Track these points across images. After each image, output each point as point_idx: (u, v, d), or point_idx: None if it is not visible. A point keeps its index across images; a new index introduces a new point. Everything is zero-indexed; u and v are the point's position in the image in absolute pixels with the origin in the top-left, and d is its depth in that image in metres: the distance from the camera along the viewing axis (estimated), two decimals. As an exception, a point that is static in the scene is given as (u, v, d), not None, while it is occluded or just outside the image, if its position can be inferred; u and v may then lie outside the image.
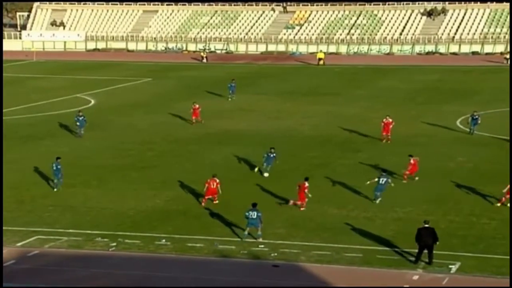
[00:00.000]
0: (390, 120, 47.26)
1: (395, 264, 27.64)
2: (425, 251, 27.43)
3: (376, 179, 35.20)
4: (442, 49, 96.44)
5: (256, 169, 39.87)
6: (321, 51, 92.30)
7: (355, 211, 33.76)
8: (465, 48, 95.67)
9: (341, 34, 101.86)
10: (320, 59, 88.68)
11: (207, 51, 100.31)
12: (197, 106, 54.37)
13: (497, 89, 67.80)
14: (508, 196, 34.13)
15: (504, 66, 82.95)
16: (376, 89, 70.11)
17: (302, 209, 33.83)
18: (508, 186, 34.16)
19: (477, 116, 48.83)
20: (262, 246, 29.56)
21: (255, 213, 30.11)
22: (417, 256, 27.59)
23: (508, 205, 33.94)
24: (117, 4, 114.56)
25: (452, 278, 26.42)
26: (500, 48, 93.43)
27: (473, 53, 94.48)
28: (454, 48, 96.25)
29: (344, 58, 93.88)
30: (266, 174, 39.54)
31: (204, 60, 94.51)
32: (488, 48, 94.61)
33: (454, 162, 42.24)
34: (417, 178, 38.30)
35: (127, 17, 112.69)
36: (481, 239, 30.03)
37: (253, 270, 27.64)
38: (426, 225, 27.68)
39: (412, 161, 38.51)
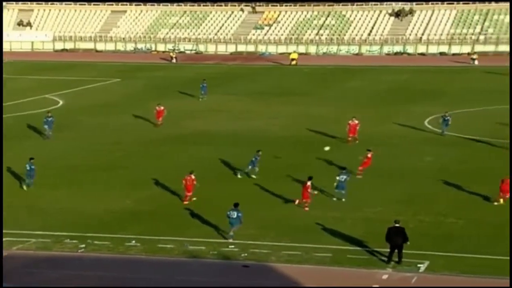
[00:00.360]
0: (356, 121, 47.44)
1: (365, 264, 27.83)
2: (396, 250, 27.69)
3: (337, 177, 35.57)
4: (410, 49, 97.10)
5: (246, 170, 39.70)
6: (294, 51, 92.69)
7: (325, 211, 33.90)
8: (433, 49, 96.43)
9: (310, 35, 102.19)
10: (293, 59, 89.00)
11: (177, 51, 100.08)
12: (162, 108, 54.05)
13: (464, 89, 68.45)
14: (504, 193, 34.47)
15: (471, 67, 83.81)
16: (345, 89, 70.46)
17: (306, 209, 33.88)
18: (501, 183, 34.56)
19: (448, 117, 49.21)
20: (233, 246, 29.61)
21: (235, 213, 30.23)
22: (389, 255, 27.79)
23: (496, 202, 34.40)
24: (85, 4, 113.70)
25: (421, 277, 26.66)
26: (467, 48, 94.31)
27: (441, 53, 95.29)
28: (422, 49, 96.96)
29: (313, 58, 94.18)
30: (245, 175, 39.52)
31: (174, 61, 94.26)
32: (455, 49, 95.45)
33: (423, 162, 42.60)
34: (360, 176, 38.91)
35: (95, 17, 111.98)
36: (449, 238, 30.35)
37: (223, 270, 27.67)
38: (397, 225, 27.90)
39: (369, 155, 39.21)
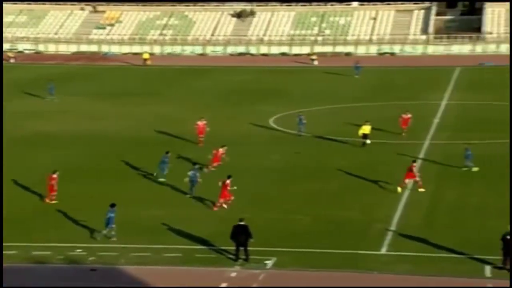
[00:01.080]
0: (204, 122, 47.77)
1: (213, 262, 28.05)
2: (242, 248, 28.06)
3: (188, 173, 36.09)
4: (253, 50, 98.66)
5: (155, 174, 39.12)
6: (146, 51, 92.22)
7: (175, 211, 33.94)
8: (275, 49, 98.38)
9: (153, 35, 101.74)
10: (145, 59, 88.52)
11: (15, 51, 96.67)
12: None
13: (306, 89, 70.20)
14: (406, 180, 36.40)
15: (311, 67, 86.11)
16: (192, 89, 70.62)
17: (225, 206, 33.86)
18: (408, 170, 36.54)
19: (302, 117, 50.33)
20: (80, 250, 29.06)
21: (109, 213, 30.11)
22: (235, 253, 28.16)
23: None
24: None
25: (268, 273, 27.15)
26: (307, 49, 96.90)
27: (282, 54, 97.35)
28: (264, 49, 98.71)
29: (159, 58, 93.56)
30: (162, 179, 38.83)
31: (12, 61, 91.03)
32: (295, 50, 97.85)
33: (269, 161, 43.40)
34: (212, 169, 40.16)
35: None
36: (295, 234, 31.06)
37: (70, 275, 27.03)
38: (241, 223, 28.29)
39: (221, 150, 40.55)
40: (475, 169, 40.02)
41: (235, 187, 34.39)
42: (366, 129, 46.33)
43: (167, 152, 40.05)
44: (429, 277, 26.64)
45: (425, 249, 29.14)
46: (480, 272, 26.98)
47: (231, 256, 28.28)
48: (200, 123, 47.60)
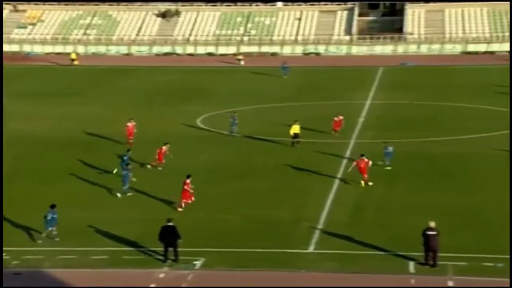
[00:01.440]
0: (134, 123, 47.45)
1: (141, 264, 27.91)
2: (171, 248, 28.00)
3: (122, 172, 36.47)
4: (179, 50, 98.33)
5: (115, 171, 38.66)
6: (73, 51, 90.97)
7: (102, 213, 33.64)
8: (201, 49, 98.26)
9: (77, 34, 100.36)
10: (73, 59, 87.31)
11: None
12: None
13: (233, 89, 70.36)
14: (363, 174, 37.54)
15: (237, 67, 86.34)
16: (118, 90, 70.03)
17: (179, 209, 33.67)
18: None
19: (235, 117, 50.34)
20: (4, 254, 28.40)
21: (50, 214, 29.75)
22: (164, 254, 28.08)
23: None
24: None
25: (197, 274, 27.17)
26: (233, 49, 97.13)
27: (208, 54, 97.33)
28: (190, 49, 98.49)
29: (83, 58, 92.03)
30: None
31: None
32: (222, 50, 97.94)
33: (197, 160, 43.33)
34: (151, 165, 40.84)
35: None
36: (224, 234, 31.13)
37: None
38: (169, 224, 28.22)
39: (164, 148, 41.05)
40: (387, 168, 40.99)
41: (193, 187, 34.36)
42: (296, 128, 46.86)
43: (128, 150, 40.34)
44: (356, 275, 27.07)
45: (352, 247, 29.58)
46: (405, 269, 27.55)
47: (159, 257, 28.18)
48: (130, 124, 47.28)
